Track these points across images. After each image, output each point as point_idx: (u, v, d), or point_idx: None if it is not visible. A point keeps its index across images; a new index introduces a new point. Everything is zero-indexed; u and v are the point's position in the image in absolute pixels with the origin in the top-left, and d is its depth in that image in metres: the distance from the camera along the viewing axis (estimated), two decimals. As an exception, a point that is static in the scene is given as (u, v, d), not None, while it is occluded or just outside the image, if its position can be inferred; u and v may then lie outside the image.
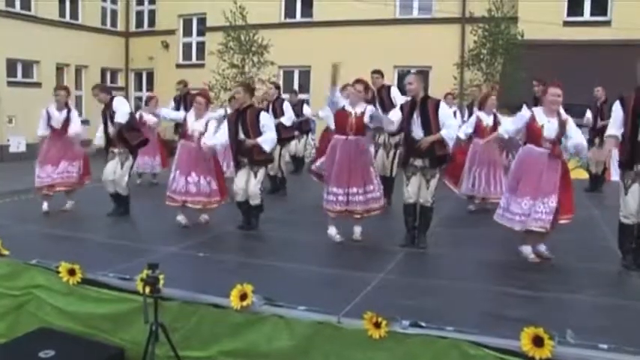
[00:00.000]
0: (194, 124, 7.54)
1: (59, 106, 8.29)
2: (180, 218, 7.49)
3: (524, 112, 6.14)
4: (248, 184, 7.15)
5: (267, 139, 7.04)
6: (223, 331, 4.52)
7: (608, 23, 15.56)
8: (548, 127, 5.97)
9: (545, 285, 5.26)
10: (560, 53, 14.39)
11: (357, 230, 6.89)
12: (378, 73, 9.16)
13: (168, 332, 4.24)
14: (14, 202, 9.46)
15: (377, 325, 4.03)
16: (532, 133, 6.04)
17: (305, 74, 19.06)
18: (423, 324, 4.06)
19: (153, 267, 4.15)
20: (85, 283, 5.08)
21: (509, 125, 6.38)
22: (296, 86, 17.76)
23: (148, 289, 4.12)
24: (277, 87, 10.64)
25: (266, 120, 7.15)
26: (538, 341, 3.69)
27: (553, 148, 5.96)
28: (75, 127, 8.26)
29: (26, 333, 4.99)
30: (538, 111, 6.10)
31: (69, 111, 8.35)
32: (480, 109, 8.94)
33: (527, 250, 6.12)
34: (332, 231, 6.85)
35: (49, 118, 8.22)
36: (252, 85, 8.09)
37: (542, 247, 6.18)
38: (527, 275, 5.61)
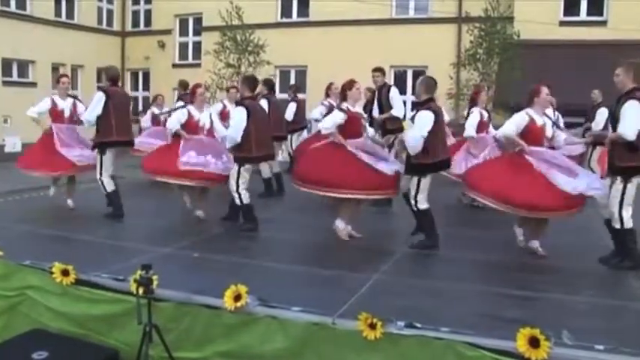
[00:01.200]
0: (200, 116, 7.65)
1: (63, 94, 8.34)
2: (199, 213, 7.66)
3: (523, 115, 6.14)
4: None
5: (226, 135, 7.16)
6: (217, 332, 4.49)
7: (604, 23, 15.58)
8: (546, 125, 6.13)
9: (542, 286, 5.25)
10: (556, 53, 14.40)
11: (348, 227, 6.87)
12: (378, 71, 9.07)
13: (161, 333, 4.21)
14: (8, 203, 9.40)
15: (372, 327, 4.00)
16: (534, 135, 6.07)
17: (301, 74, 19.03)
18: (419, 325, 4.03)
19: (146, 268, 4.13)
20: (78, 284, 5.05)
21: (511, 128, 6.19)
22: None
23: (141, 290, 4.10)
24: (269, 85, 10.13)
25: (232, 115, 7.20)
26: (534, 342, 3.67)
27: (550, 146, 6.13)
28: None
29: (19, 334, 4.94)
30: (532, 112, 6.17)
31: (74, 98, 8.48)
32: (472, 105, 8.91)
33: (519, 231, 6.38)
34: (341, 224, 6.83)
35: (54, 105, 8.19)
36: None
37: (536, 244, 6.21)
38: (524, 276, 5.61)
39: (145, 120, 11.94)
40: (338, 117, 6.65)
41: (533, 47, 14.88)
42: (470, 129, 8.46)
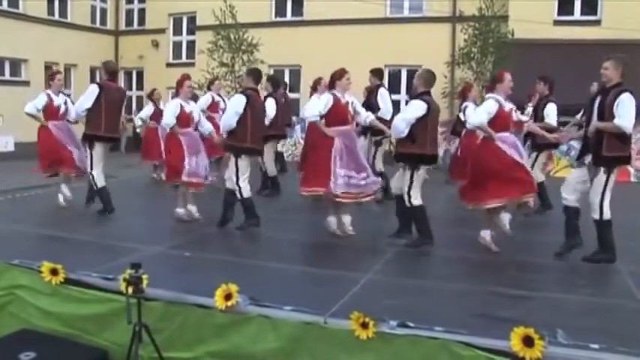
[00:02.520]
0: (192, 107, 7.64)
1: (57, 91, 8.26)
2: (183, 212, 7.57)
3: (492, 102, 6.09)
4: None
5: (222, 120, 7.19)
6: (208, 332, 4.44)
7: (598, 22, 15.62)
8: (512, 111, 6.22)
9: (536, 285, 5.21)
10: (550, 52, 14.41)
11: (347, 220, 6.82)
12: (371, 72, 9.09)
13: (151, 333, 4.16)
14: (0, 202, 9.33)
15: (364, 326, 3.96)
16: (503, 120, 6.07)
17: (295, 73, 19.01)
18: (412, 324, 4.00)
19: (136, 267, 4.07)
20: (68, 283, 4.98)
21: (483, 115, 6.07)
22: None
23: (131, 290, 4.04)
24: (274, 82, 10.09)
25: (230, 101, 7.32)
26: (528, 341, 3.64)
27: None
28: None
29: (7, 334, 4.88)
30: (499, 98, 6.13)
31: (66, 96, 8.42)
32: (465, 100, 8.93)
33: (486, 234, 6.30)
34: (332, 220, 6.82)
35: (50, 101, 8.08)
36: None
37: (506, 219, 6.26)
38: (518, 275, 5.57)
39: (146, 111, 11.64)
40: (322, 103, 6.57)
41: (528, 46, 14.91)
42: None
